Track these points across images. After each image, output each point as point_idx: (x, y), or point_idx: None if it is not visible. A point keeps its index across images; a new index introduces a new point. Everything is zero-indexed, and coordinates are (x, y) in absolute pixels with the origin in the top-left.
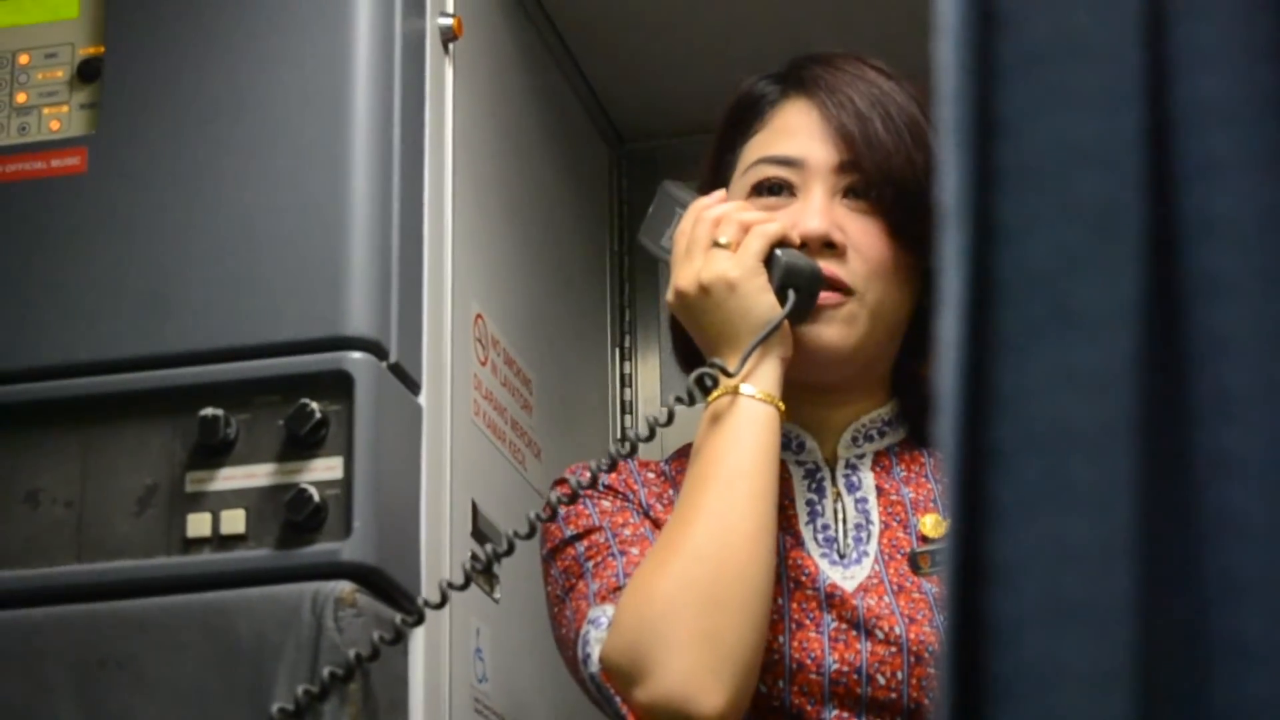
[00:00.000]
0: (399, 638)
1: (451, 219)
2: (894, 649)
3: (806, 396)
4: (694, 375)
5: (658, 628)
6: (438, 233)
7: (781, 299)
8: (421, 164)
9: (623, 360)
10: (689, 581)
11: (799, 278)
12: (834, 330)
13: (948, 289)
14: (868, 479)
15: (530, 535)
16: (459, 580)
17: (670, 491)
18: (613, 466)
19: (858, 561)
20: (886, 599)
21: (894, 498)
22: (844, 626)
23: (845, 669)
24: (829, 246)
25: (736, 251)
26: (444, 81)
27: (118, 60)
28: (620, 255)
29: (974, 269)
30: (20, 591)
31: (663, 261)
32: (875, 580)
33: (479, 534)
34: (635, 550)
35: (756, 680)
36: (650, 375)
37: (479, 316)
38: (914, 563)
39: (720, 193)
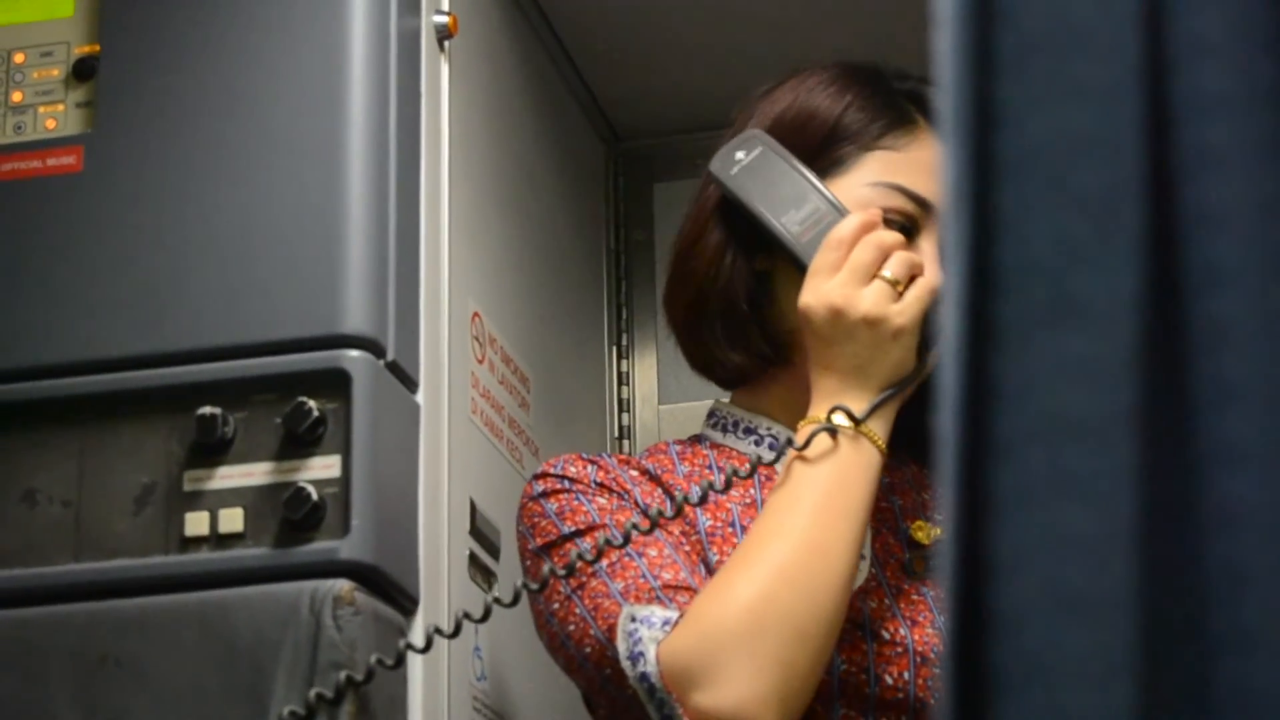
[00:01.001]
0: (400, 662)
1: (448, 217)
2: (899, 649)
3: (807, 406)
4: (825, 424)
5: (736, 639)
6: (434, 230)
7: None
8: (418, 162)
9: (620, 358)
10: (777, 602)
11: (933, 340)
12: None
13: (948, 280)
14: None
15: (541, 589)
16: (478, 614)
17: (658, 490)
18: (728, 486)
19: None
20: (887, 601)
21: (882, 504)
22: (849, 628)
23: (853, 669)
24: None
25: (903, 296)
26: (439, 79)
27: (113, 59)
28: (617, 253)
29: (974, 260)
30: (18, 591)
31: (769, 226)
32: (874, 583)
33: (477, 532)
34: (653, 551)
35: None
36: (648, 373)
37: (476, 314)
38: (909, 568)
39: (876, 212)
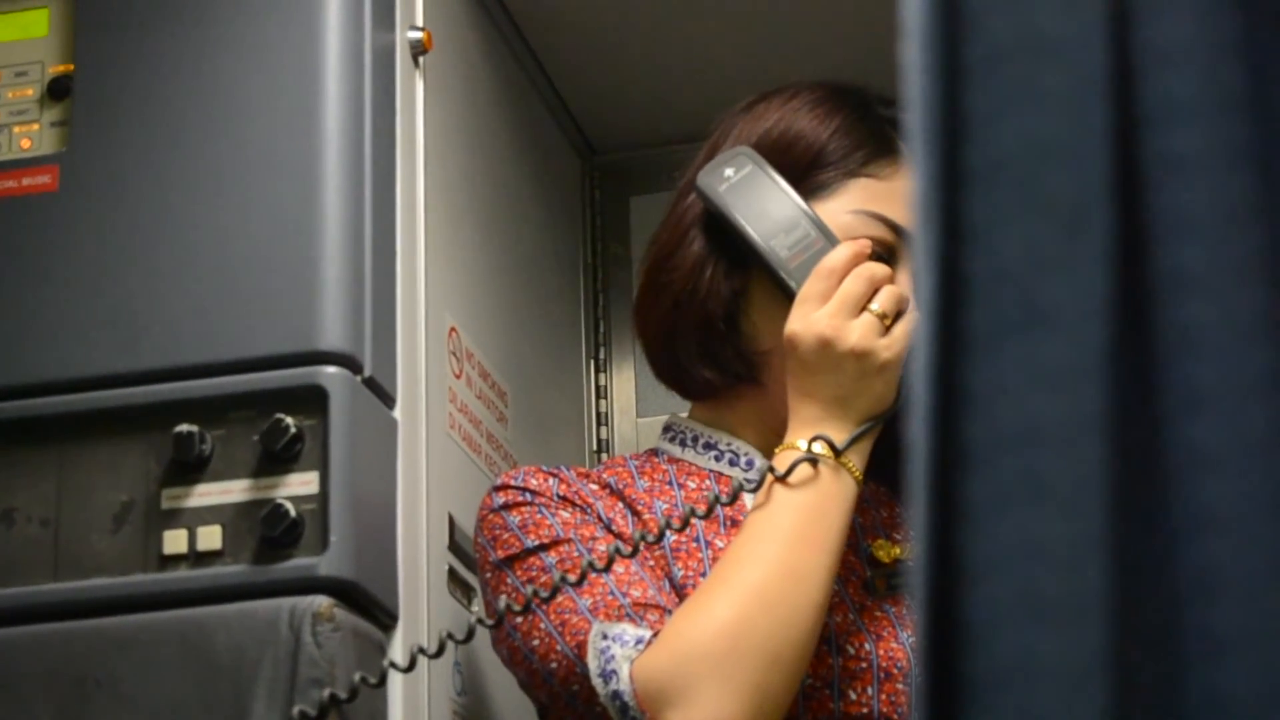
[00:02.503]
0: (383, 680)
1: (424, 232)
2: (864, 664)
3: (772, 426)
4: (807, 454)
5: (713, 661)
6: (410, 246)
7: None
8: (393, 178)
9: (598, 372)
10: (753, 626)
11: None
12: None
13: (918, 289)
14: None
15: (525, 610)
16: (460, 635)
17: (619, 504)
18: (710, 512)
19: None
20: (851, 616)
21: None
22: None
23: (818, 684)
24: None
25: (890, 331)
26: (414, 95)
27: (88, 78)
28: (594, 267)
29: (943, 268)
30: None
31: (756, 246)
32: (837, 599)
33: (456, 547)
34: (620, 569)
35: None
36: (625, 387)
37: (453, 329)
38: (871, 586)
39: (866, 243)
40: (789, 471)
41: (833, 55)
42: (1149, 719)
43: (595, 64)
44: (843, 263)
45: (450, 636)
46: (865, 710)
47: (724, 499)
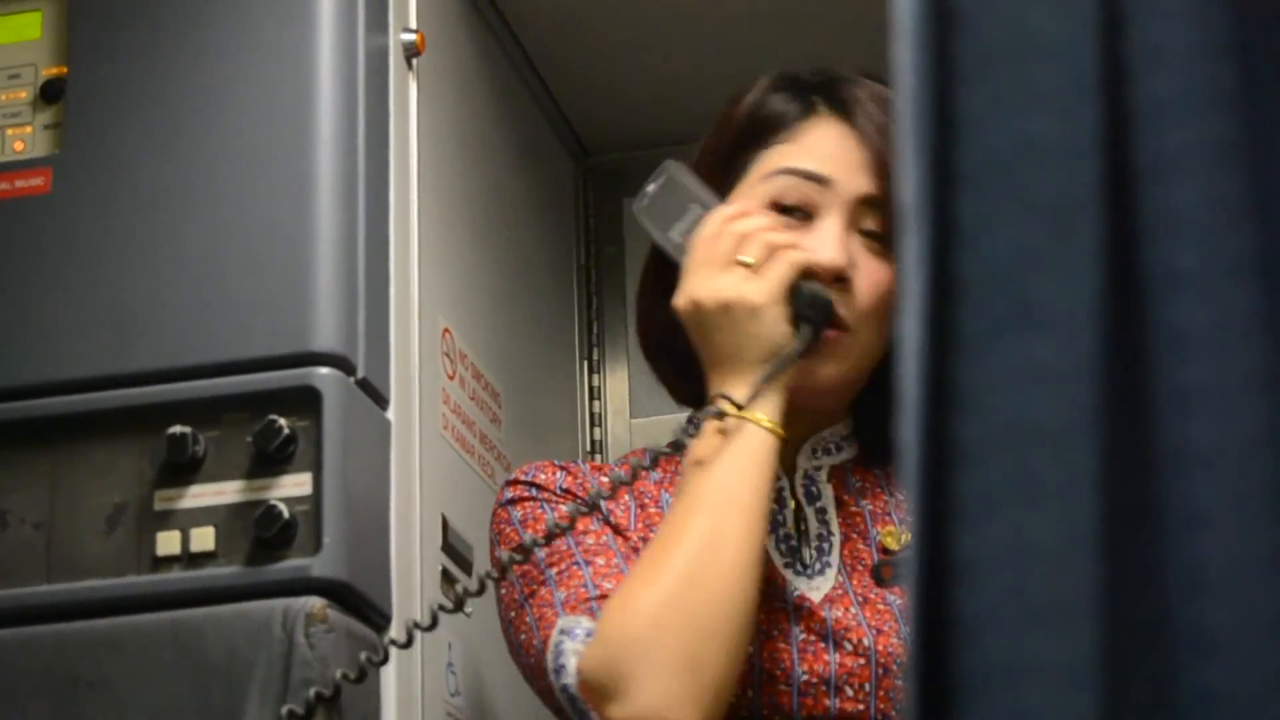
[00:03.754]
0: (363, 676)
1: (417, 234)
2: (862, 660)
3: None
4: (709, 410)
5: (642, 646)
6: (404, 248)
7: (794, 329)
8: (386, 179)
9: (591, 373)
10: (677, 603)
11: (816, 312)
12: (830, 368)
13: (909, 288)
14: (826, 490)
15: (501, 576)
16: (426, 621)
17: (625, 497)
18: (634, 478)
19: (821, 573)
20: (853, 610)
21: (852, 509)
22: (812, 638)
23: (814, 680)
24: (838, 280)
25: (760, 274)
26: (408, 97)
27: (81, 80)
28: (587, 268)
29: (934, 268)
30: None
31: (663, 247)
32: (840, 591)
33: (449, 548)
34: (600, 560)
35: (728, 703)
36: (619, 387)
37: (446, 331)
38: (878, 574)
39: (743, 203)
40: (678, 443)
41: (826, 56)
42: (1140, 718)
43: (588, 66)
44: (715, 227)
45: (442, 607)
46: (861, 707)
47: (645, 464)
